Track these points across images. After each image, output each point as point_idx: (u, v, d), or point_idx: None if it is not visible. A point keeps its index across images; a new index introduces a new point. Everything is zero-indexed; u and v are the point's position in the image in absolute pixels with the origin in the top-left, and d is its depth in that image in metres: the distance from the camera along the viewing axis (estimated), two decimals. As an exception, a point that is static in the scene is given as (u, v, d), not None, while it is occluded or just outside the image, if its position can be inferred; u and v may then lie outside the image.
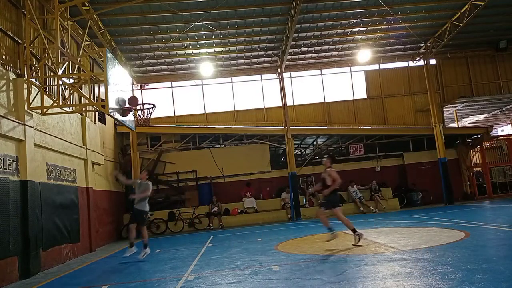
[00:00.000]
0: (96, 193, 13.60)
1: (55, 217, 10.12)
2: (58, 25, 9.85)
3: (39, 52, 10.54)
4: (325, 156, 9.13)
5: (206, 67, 18.06)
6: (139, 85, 19.53)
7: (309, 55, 18.85)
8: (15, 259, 8.14)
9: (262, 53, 17.90)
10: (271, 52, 17.91)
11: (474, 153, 21.41)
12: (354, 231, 8.42)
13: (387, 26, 16.49)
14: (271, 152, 20.02)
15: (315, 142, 21.19)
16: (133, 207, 9.75)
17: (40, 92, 9.66)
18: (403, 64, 20.70)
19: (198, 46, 16.62)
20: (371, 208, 17.73)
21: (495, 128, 27.90)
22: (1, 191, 7.82)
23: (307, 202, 18.51)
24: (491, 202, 17.91)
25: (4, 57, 8.95)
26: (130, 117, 11.42)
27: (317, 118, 20.31)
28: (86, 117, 12.93)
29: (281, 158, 20.69)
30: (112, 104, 9.82)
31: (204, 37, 15.88)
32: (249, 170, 19.30)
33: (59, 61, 10.29)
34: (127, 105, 10.71)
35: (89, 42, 14.01)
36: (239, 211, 18.14)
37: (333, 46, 18.09)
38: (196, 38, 15.85)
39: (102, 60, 11.68)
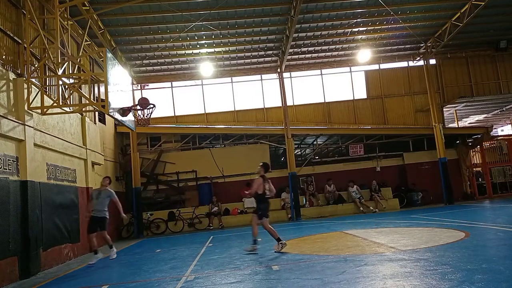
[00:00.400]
0: (96, 193, 13.56)
1: (55, 217, 10.12)
2: (58, 25, 9.85)
3: (39, 52, 10.54)
4: (260, 164, 9.30)
5: (206, 67, 18.05)
6: (139, 85, 19.52)
7: (309, 55, 18.85)
8: (15, 259, 8.14)
9: (262, 53, 17.90)
10: (271, 52, 17.91)
11: (474, 153, 21.41)
12: (278, 239, 8.71)
13: (387, 26, 16.49)
14: (271, 152, 20.02)
15: (315, 142, 21.19)
16: (92, 216, 9.78)
17: (40, 92, 9.66)
18: (403, 64, 20.70)
19: (198, 46, 16.62)
20: (371, 208, 17.73)
21: (495, 128, 27.90)
22: (1, 191, 7.82)
23: (307, 202, 18.52)
24: (491, 202, 17.91)
25: (4, 57, 8.95)
26: (130, 117, 11.44)
27: (317, 118, 20.31)
28: (86, 117, 12.93)
29: (281, 158, 20.68)
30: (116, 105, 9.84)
31: (204, 37, 15.88)
32: (249, 170, 19.20)
33: (59, 61, 10.29)
34: (138, 107, 11.09)
35: (89, 42, 14.01)
36: (239, 211, 18.13)
37: (333, 46, 18.09)
38: (196, 38, 15.85)
39: (102, 60, 11.69)
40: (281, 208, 18.26)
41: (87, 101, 10.97)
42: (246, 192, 9.22)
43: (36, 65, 9.97)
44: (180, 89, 20.24)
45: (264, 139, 19.71)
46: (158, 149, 19.38)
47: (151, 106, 11.65)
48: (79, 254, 11.55)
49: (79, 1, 11.02)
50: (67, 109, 10.88)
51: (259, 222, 8.96)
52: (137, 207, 16.91)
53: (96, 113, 14.83)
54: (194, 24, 14.31)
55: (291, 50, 17.32)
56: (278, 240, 8.73)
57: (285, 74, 19.40)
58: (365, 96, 20.65)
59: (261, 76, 20.16)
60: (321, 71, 20.30)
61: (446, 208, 16.43)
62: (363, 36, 17.41)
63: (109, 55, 10.17)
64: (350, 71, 20.61)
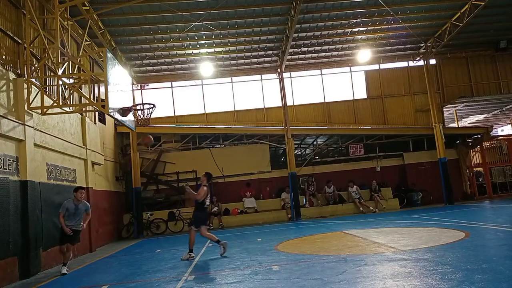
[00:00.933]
0: (96, 193, 13.59)
1: (55, 217, 10.09)
2: (58, 25, 9.85)
3: (39, 52, 10.55)
4: (204, 173, 9.51)
5: (206, 67, 18.05)
6: (139, 85, 19.52)
7: (309, 55, 18.85)
8: (15, 259, 8.14)
9: (262, 53, 17.89)
10: (271, 52, 17.90)
11: (474, 153, 21.41)
12: (218, 242, 8.92)
13: (387, 26, 16.49)
14: (271, 152, 20.02)
15: (315, 142, 21.19)
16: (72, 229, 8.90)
17: (40, 92, 9.66)
18: (403, 64, 20.70)
19: (198, 46, 16.61)
20: (371, 208, 17.73)
21: (495, 128, 27.90)
22: (1, 191, 7.82)
23: (307, 202, 18.52)
24: (491, 202, 17.91)
25: (4, 57, 8.95)
26: (130, 117, 11.44)
27: (317, 118, 20.31)
28: (86, 117, 12.93)
29: (281, 158, 20.68)
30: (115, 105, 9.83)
31: (204, 37, 15.88)
32: (249, 170, 19.30)
33: (59, 61, 10.29)
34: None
35: (89, 42, 14.01)
36: (239, 211, 18.13)
37: (333, 46, 18.08)
38: (196, 38, 15.85)
39: (102, 60, 11.69)
40: (281, 208, 18.27)
41: (87, 101, 10.97)
42: (191, 196, 9.30)
43: (36, 65, 9.97)
44: (180, 89, 20.23)
45: (264, 139, 19.70)
46: (158, 149, 19.38)
47: (152, 106, 11.66)
48: (79, 254, 11.56)
49: (79, 1, 11.02)
50: (67, 109, 10.88)
51: (195, 230, 9.05)
52: (137, 207, 16.90)
53: (96, 113, 14.83)
54: (194, 24, 14.31)
55: (291, 50, 17.31)
56: (218, 241, 8.91)
57: (285, 74, 19.40)
58: (365, 96, 20.65)
59: (261, 76, 20.15)
60: (321, 71, 20.30)
61: (446, 208, 16.43)
62: (363, 36, 17.40)
63: (109, 55, 10.17)
64: (350, 71, 20.61)
